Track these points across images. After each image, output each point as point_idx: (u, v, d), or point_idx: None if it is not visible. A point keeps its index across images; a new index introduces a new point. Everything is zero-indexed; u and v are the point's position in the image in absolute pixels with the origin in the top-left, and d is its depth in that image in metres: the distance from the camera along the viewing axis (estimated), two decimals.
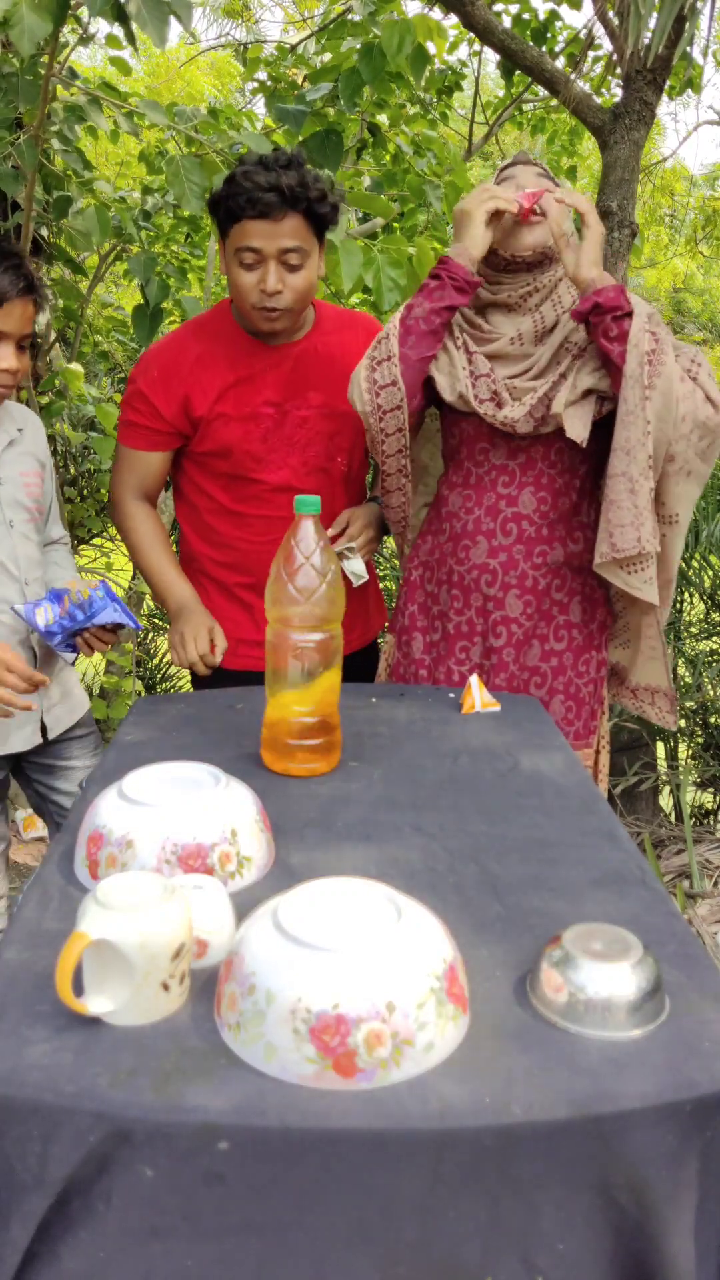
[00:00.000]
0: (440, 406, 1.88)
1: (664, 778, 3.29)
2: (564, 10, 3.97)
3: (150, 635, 4.43)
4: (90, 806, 1.13)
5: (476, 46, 4.09)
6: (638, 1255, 0.77)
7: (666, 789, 3.40)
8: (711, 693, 3.29)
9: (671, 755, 3.41)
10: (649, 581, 1.72)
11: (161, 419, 1.90)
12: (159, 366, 1.91)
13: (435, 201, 2.86)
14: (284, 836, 1.19)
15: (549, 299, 1.78)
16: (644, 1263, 0.77)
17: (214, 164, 2.15)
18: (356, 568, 1.83)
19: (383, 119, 3.20)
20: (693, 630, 3.43)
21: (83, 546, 4.18)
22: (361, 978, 0.79)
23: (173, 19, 1.68)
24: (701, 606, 3.49)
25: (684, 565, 3.29)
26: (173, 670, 4.53)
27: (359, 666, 2.10)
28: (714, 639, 3.45)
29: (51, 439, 2.79)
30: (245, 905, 0.97)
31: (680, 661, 3.34)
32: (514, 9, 3.55)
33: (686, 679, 3.30)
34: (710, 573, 3.42)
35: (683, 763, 3.40)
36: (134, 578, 3.90)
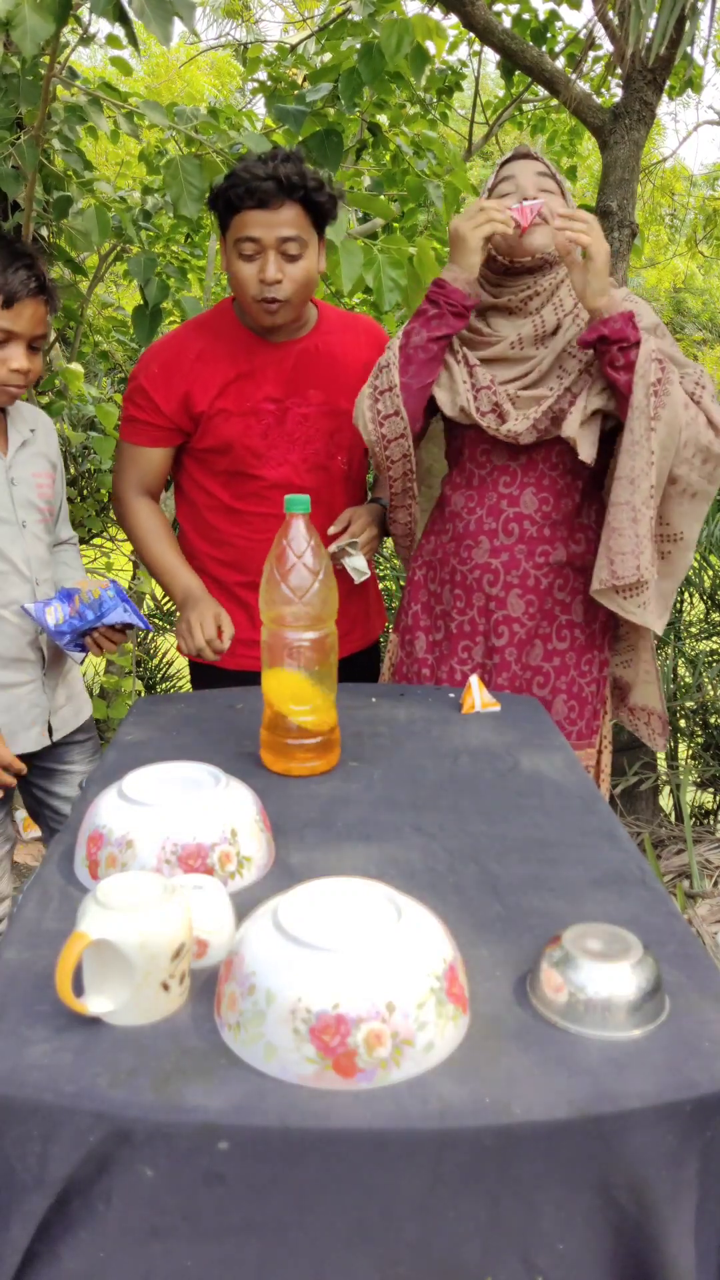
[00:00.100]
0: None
1: (664, 778, 3.29)
2: (564, 10, 3.98)
3: (150, 635, 4.43)
4: (90, 806, 1.14)
5: (476, 46, 4.09)
6: (638, 1255, 0.77)
7: (666, 789, 3.40)
8: (711, 693, 3.29)
9: (671, 755, 3.41)
10: (644, 606, 1.73)
11: (162, 414, 1.91)
12: (160, 362, 1.92)
13: (436, 200, 2.85)
14: (284, 836, 1.19)
15: (550, 302, 1.78)
16: (644, 1263, 0.77)
17: (214, 165, 2.15)
18: (358, 564, 1.83)
19: (383, 119, 3.20)
20: (693, 630, 3.43)
21: (83, 546, 4.18)
22: (361, 978, 0.79)
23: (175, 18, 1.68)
24: (701, 606, 3.48)
25: None
26: (173, 670, 4.53)
27: (361, 667, 2.10)
28: (714, 639, 3.45)
29: None
30: (245, 905, 0.97)
31: (680, 661, 3.34)
32: (514, 9, 3.55)
33: (686, 679, 3.30)
34: (710, 573, 3.42)
35: (683, 763, 3.40)
36: (134, 578, 3.90)
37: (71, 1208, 0.76)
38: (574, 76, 3.12)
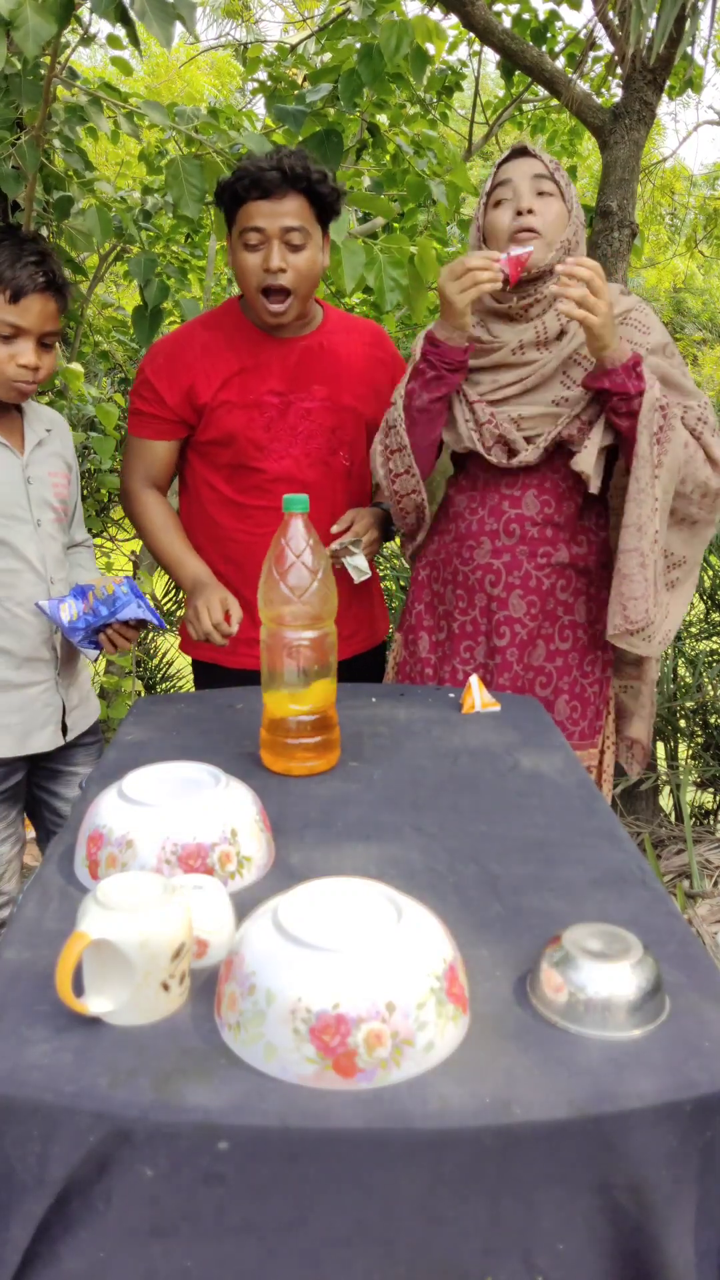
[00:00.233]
0: None
1: (664, 778, 3.29)
2: (564, 10, 3.97)
3: (150, 636, 4.43)
4: (90, 806, 1.14)
5: (476, 46, 4.09)
6: (638, 1255, 0.77)
7: (666, 789, 3.40)
8: (711, 693, 3.29)
9: (671, 755, 3.41)
10: (649, 639, 1.77)
11: (166, 406, 1.93)
12: (165, 356, 1.95)
13: (440, 197, 2.85)
14: (284, 836, 1.19)
15: (551, 307, 1.78)
16: (644, 1263, 0.77)
17: (214, 165, 2.15)
18: (359, 564, 1.84)
19: (383, 119, 3.20)
20: (693, 630, 3.43)
21: None
22: (361, 978, 0.79)
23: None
24: (701, 606, 3.49)
25: None
26: (173, 670, 4.53)
27: (367, 668, 2.11)
28: (714, 639, 3.45)
29: None
30: (245, 905, 0.97)
31: (680, 661, 3.34)
32: (514, 9, 3.54)
33: (687, 679, 3.30)
34: (710, 573, 3.42)
35: (683, 763, 3.40)
36: (134, 577, 3.90)
37: (71, 1208, 0.76)
38: (574, 76, 3.12)
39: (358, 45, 2.52)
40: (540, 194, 1.74)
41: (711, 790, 3.42)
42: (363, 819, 1.26)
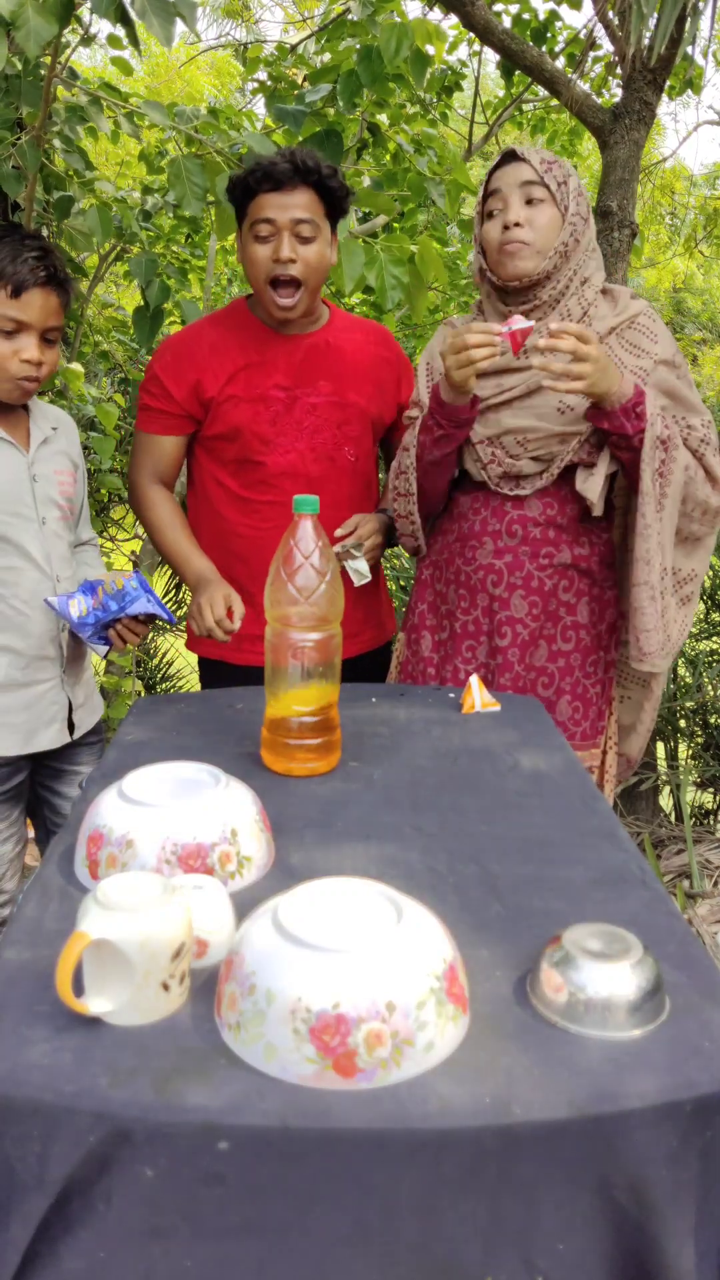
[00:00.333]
0: None
1: (664, 778, 3.29)
2: (564, 10, 3.97)
3: (150, 635, 4.43)
4: (90, 806, 1.14)
5: (476, 46, 4.09)
6: (638, 1255, 0.77)
7: (666, 789, 3.40)
8: (711, 693, 3.29)
9: (671, 755, 3.41)
10: (665, 658, 1.80)
11: (174, 401, 1.95)
12: (174, 352, 1.97)
13: (438, 199, 2.85)
14: (284, 836, 1.19)
15: (554, 311, 1.78)
16: (644, 1263, 0.77)
17: (215, 164, 2.15)
18: (360, 567, 1.85)
19: (383, 119, 3.20)
20: (693, 630, 3.43)
21: None
22: (361, 978, 0.79)
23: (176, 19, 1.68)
24: (702, 606, 3.49)
25: None
26: (173, 670, 4.53)
27: (372, 668, 2.11)
28: (714, 639, 3.45)
29: None
30: (245, 905, 0.97)
31: (680, 661, 3.34)
32: (514, 9, 3.54)
33: (687, 679, 3.30)
34: (710, 573, 3.42)
35: (683, 763, 3.40)
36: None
37: (71, 1208, 0.76)
38: (574, 77, 3.12)
39: (357, 46, 2.52)
40: (530, 201, 1.73)
41: (711, 790, 3.42)
42: (363, 819, 1.26)
